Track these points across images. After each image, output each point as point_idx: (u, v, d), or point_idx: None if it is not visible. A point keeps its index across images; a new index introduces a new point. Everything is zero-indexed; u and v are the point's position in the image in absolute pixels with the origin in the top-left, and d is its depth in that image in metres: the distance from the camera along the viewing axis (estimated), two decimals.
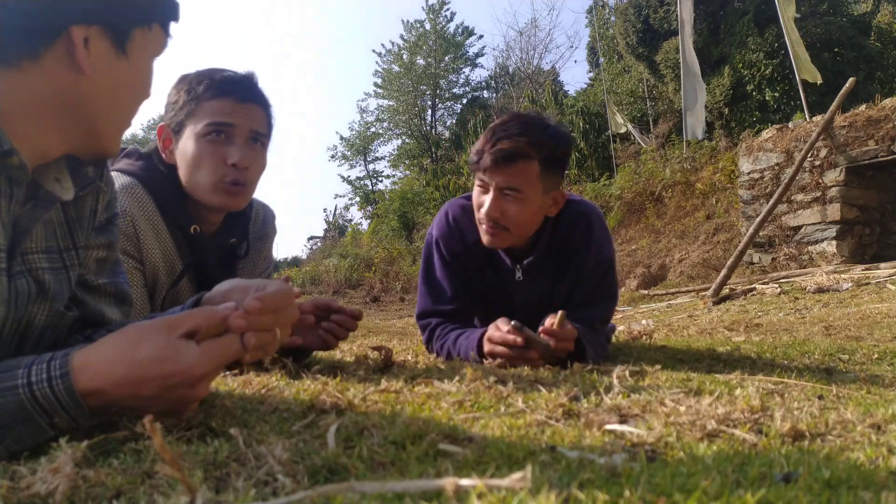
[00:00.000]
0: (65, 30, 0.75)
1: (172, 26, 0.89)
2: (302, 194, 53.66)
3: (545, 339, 1.39)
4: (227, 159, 1.40)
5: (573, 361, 1.42)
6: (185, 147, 1.43)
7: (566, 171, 1.69)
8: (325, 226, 26.37)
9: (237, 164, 1.40)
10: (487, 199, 1.56)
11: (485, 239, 1.61)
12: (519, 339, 1.39)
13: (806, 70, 7.79)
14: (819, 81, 7.80)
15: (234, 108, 1.41)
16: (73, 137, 0.83)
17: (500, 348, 1.43)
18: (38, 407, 0.69)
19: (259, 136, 1.45)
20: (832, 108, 6.77)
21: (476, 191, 1.62)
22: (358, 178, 26.55)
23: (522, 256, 1.69)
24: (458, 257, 1.72)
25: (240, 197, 1.46)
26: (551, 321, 1.40)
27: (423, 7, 23.60)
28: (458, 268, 1.72)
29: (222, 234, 1.56)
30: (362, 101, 32.99)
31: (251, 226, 1.65)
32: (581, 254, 1.65)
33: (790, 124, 7.54)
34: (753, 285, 5.66)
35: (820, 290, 4.76)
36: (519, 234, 1.60)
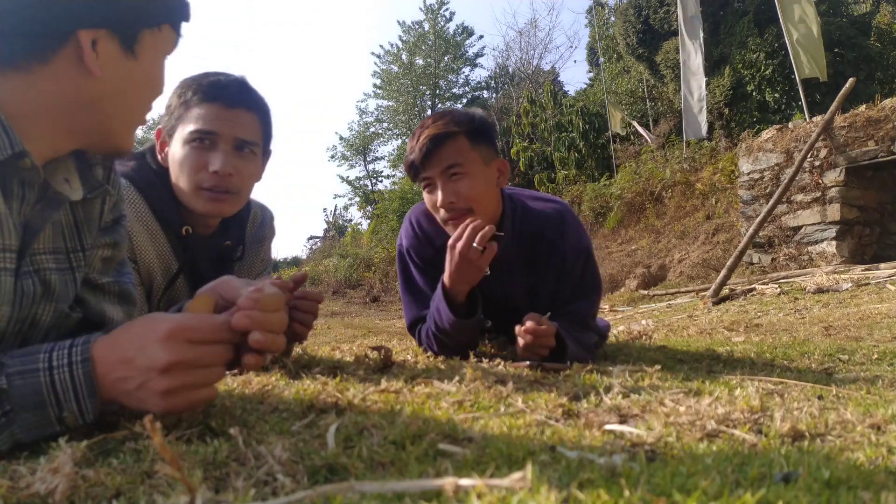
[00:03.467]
0: (72, 33, 0.76)
1: (184, 25, 0.90)
2: (302, 194, 53.68)
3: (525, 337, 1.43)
4: (209, 166, 1.39)
5: (555, 358, 1.42)
6: (174, 151, 1.43)
7: (492, 143, 1.68)
8: (325, 226, 26.40)
9: (218, 172, 1.38)
10: (438, 192, 1.57)
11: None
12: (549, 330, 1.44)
13: (815, 66, 7.73)
14: (824, 78, 7.79)
15: (220, 114, 1.39)
16: (85, 137, 0.84)
17: (529, 337, 1.43)
18: (53, 395, 0.69)
19: (247, 145, 1.42)
20: (832, 108, 6.77)
21: (427, 198, 1.63)
22: (358, 178, 26.59)
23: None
24: (431, 262, 1.71)
25: (225, 204, 1.43)
26: (531, 323, 1.42)
27: (420, 7, 23.64)
28: (433, 272, 1.71)
29: (218, 235, 1.55)
30: (361, 101, 33.03)
31: (248, 227, 1.64)
32: (558, 247, 1.65)
33: (790, 124, 7.54)
34: (753, 285, 5.66)
35: (820, 290, 4.76)
36: (482, 211, 1.59)
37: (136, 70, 0.83)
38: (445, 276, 1.54)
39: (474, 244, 1.45)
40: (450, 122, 1.59)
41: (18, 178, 0.77)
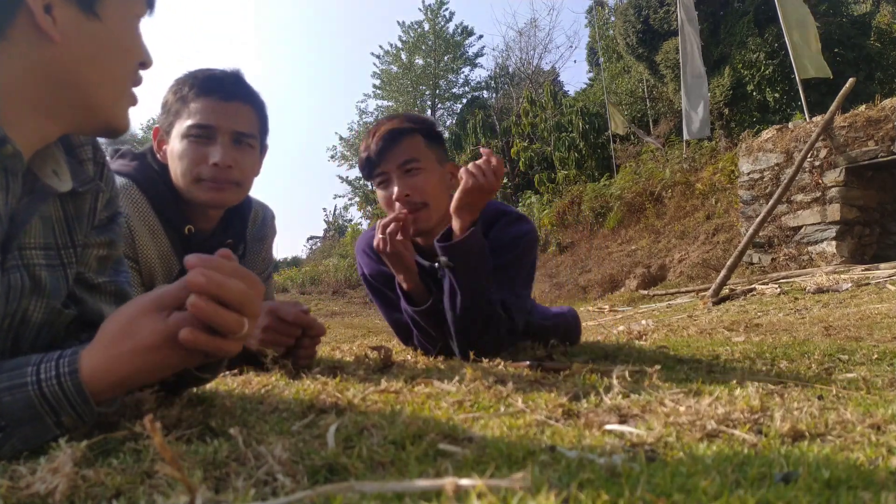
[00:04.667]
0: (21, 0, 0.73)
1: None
2: (302, 194, 53.70)
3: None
4: (208, 158, 1.40)
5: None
6: (173, 146, 1.44)
7: (442, 145, 1.72)
8: (325, 226, 26.42)
9: (218, 164, 1.40)
10: (394, 186, 1.58)
11: (412, 228, 1.59)
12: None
13: (814, 66, 7.75)
14: (829, 76, 7.80)
15: (217, 108, 1.41)
16: (68, 114, 0.81)
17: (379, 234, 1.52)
18: (47, 406, 0.68)
19: (245, 137, 1.44)
20: (832, 108, 6.77)
21: (381, 195, 1.63)
22: (358, 178, 26.55)
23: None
24: (393, 278, 1.69)
25: (227, 192, 1.44)
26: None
27: (419, 7, 23.63)
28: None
29: (219, 234, 1.55)
30: (361, 101, 33.02)
31: (249, 226, 1.65)
32: (499, 236, 1.64)
33: (790, 124, 7.54)
34: (753, 285, 5.66)
35: (820, 290, 4.76)
36: (437, 207, 1.60)
37: (102, 32, 0.79)
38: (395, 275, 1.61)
39: (380, 235, 1.52)
40: (406, 120, 1.62)
41: (1, 167, 0.75)
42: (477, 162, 1.48)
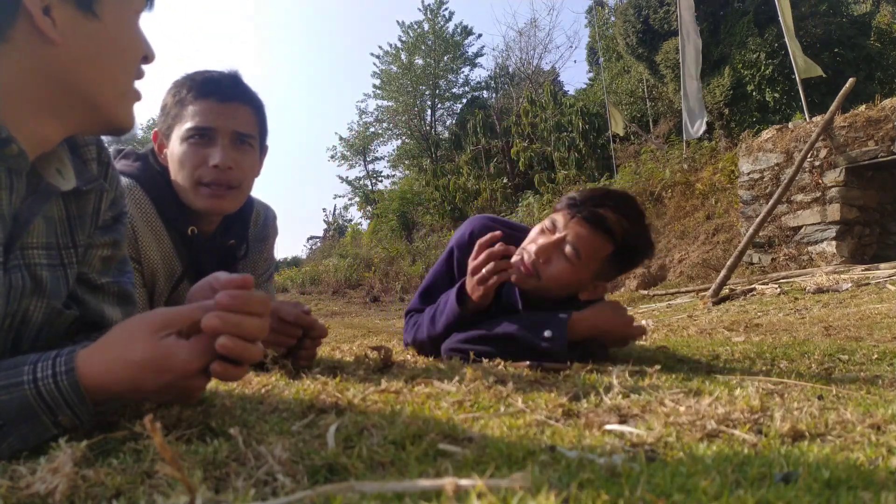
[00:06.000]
0: (20, 2, 0.73)
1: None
2: (302, 194, 53.75)
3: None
4: (208, 161, 1.40)
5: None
6: (173, 150, 1.44)
7: (619, 273, 1.65)
8: (325, 226, 26.47)
9: (218, 166, 1.39)
10: (542, 241, 1.52)
11: (514, 276, 1.55)
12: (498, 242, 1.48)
13: (806, 66, 7.77)
14: (822, 75, 7.81)
15: (216, 109, 1.40)
16: (72, 115, 0.81)
17: (484, 261, 1.48)
18: (43, 404, 0.68)
19: (244, 137, 1.44)
20: (832, 108, 6.77)
21: (538, 229, 1.57)
22: (357, 178, 26.60)
23: (534, 304, 1.64)
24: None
25: (227, 199, 1.44)
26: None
27: (419, 7, 23.63)
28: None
29: (221, 235, 1.55)
30: (361, 101, 33.06)
31: (251, 226, 1.64)
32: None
33: (790, 124, 7.54)
34: (753, 286, 5.65)
35: (820, 290, 4.76)
36: (547, 288, 1.55)
37: (102, 32, 0.79)
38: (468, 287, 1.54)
39: (484, 276, 1.48)
40: (623, 230, 1.50)
41: (6, 167, 0.75)
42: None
